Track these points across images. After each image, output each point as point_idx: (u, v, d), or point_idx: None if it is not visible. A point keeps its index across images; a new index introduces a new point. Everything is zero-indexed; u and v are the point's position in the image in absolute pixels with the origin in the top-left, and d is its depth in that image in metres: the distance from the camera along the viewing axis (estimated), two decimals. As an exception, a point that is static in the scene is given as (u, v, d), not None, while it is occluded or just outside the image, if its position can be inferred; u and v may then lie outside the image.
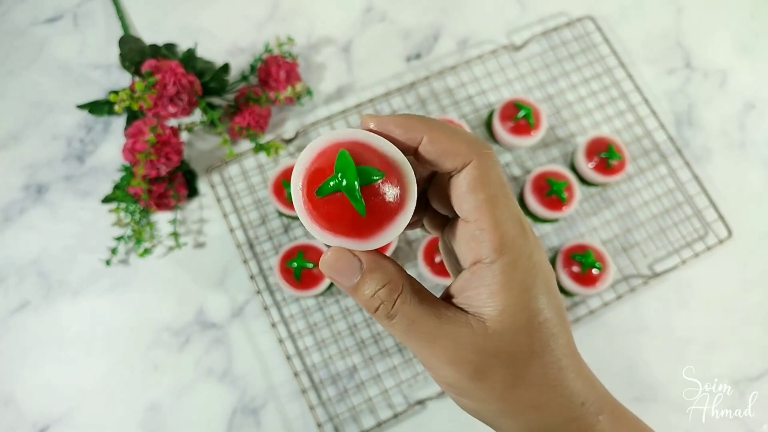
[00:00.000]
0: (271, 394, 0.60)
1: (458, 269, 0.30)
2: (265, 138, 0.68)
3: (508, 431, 0.27)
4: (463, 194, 0.25)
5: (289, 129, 0.69)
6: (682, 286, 0.66)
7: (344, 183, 0.23)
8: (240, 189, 0.66)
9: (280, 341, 0.60)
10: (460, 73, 0.72)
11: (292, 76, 0.67)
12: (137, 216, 0.62)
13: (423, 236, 0.64)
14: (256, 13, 0.74)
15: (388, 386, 0.60)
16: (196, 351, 0.60)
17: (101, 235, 0.63)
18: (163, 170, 0.60)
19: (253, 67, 0.68)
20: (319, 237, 0.25)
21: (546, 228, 0.67)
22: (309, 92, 0.68)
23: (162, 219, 0.65)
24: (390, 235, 0.25)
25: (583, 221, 0.68)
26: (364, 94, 0.71)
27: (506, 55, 0.74)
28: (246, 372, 0.60)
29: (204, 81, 0.66)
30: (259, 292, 0.62)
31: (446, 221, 0.30)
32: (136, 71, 0.65)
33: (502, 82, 0.72)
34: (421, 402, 0.59)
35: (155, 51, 0.67)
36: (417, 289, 0.26)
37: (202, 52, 0.70)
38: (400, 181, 0.25)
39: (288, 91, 0.65)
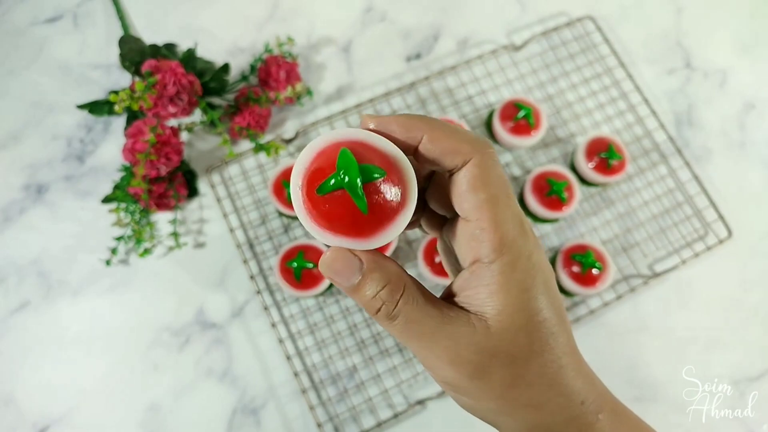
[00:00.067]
0: (271, 394, 0.60)
1: (457, 269, 0.30)
2: (265, 138, 0.68)
3: (508, 430, 0.27)
4: (463, 193, 0.25)
5: (289, 129, 0.69)
6: (682, 286, 0.66)
7: (346, 180, 0.23)
8: (240, 189, 0.66)
9: (280, 341, 0.60)
10: (460, 73, 0.72)
11: (292, 76, 0.67)
12: (137, 216, 0.62)
13: (423, 236, 0.64)
14: (256, 13, 0.74)
15: (388, 386, 0.60)
16: (196, 351, 0.60)
17: (101, 235, 0.63)
18: (163, 170, 0.60)
19: (253, 67, 0.68)
20: (319, 237, 0.25)
21: (546, 228, 0.67)
22: (309, 92, 0.68)
23: (162, 219, 0.65)
24: (390, 235, 0.25)
25: (583, 221, 0.68)
26: (364, 94, 0.71)
27: (506, 55, 0.74)
28: (246, 372, 0.60)
29: (204, 81, 0.66)
30: (259, 292, 0.62)
31: (444, 221, 0.30)
32: (136, 71, 0.65)
33: (502, 82, 0.72)
34: (421, 402, 0.59)
35: (155, 51, 0.67)
36: (418, 289, 0.26)
37: (202, 52, 0.70)
38: (400, 180, 0.24)
39: (288, 91, 0.65)
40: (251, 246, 0.64)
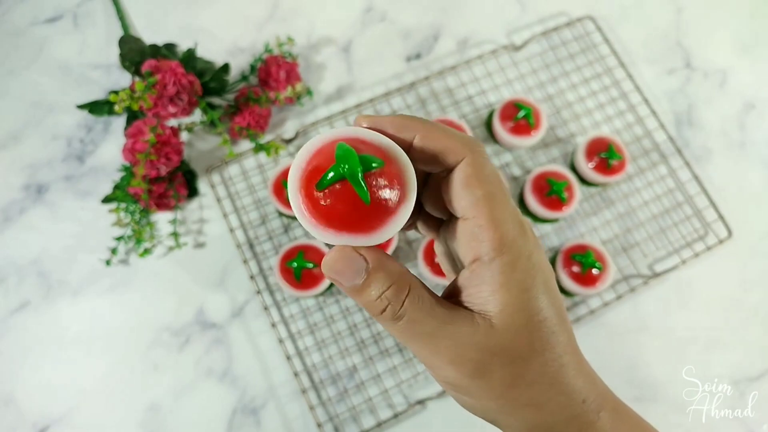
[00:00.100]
0: (271, 394, 0.59)
1: (455, 270, 0.30)
2: (265, 138, 0.68)
3: (508, 429, 0.27)
4: (459, 191, 0.25)
5: (289, 129, 0.69)
6: (682, 286, 0.66)
7: (347, 168, 0.23)
8: (240, 189, 0.66)
9: (280, 341, 0.60)
10: (460, 73, 0.72)
11: (292, 76, 0.67)
12: (137, 216, 0.62)
13: (423, 236, 0.64)
14: (256, 13, 0.74)
15: (388, 386, 0.60)
16: (196, 351, 0.60)
17: (101, 235, 0.63)
18: (163, 170, 0.60)
19: (253, 67, 0.68)
20: (319, 236, 0.24)
21: (546, 228, 0.67)
22: (309, 92, 0.68)
23: (162, 219, 0.65)
24: (393, 229, 0.24)
25: (583, 221, 0.68)
26: (364, 94, 0.71)
27: (506, 55, 0.74)
28: (246, 372, 0.60)
29: (204, 81, 0.66)
30: (259, 292, 0.62)
31: (440, 223, 0.30)
32: (136, 71, 0.65)
33: (502, 82, 0.72)
34: (421, 402, 0.59)
35: (155, 51, 0.67)
36: (423, 289, 0.26)
37: (202, 52, 0.70)
38: (399, 172, 0.24)
39: (288, 91, 0.65)
40: (251, 246, 0.64)
